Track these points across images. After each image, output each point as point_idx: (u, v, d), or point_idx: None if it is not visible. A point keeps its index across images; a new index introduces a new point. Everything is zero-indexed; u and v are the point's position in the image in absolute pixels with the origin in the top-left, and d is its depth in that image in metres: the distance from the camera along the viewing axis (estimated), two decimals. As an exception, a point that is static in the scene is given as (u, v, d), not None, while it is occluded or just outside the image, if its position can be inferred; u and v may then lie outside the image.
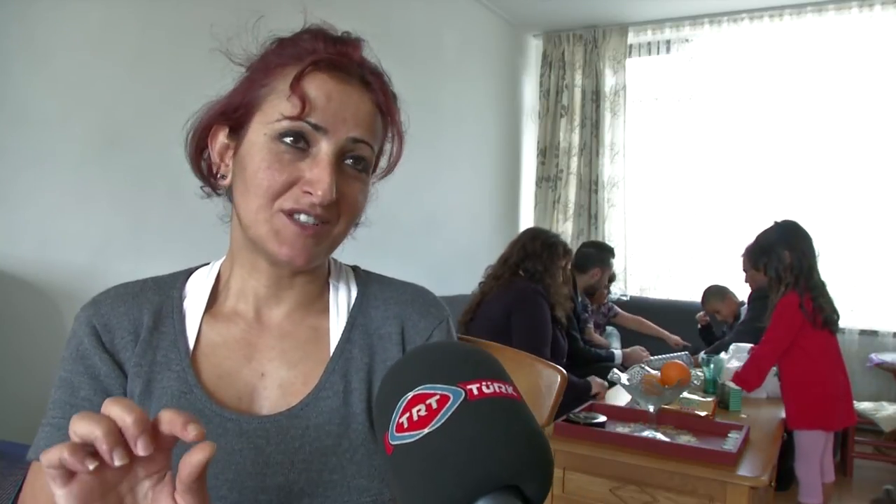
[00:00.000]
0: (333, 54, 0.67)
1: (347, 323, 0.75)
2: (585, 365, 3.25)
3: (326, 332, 0.75)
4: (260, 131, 0.67)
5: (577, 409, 2.17)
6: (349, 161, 0.68)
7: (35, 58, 1.96)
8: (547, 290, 2.80)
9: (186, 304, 0.74)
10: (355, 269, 0.82)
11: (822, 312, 2.40)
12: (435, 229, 3.87)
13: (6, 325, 1.93)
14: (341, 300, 0.77)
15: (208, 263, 0.79)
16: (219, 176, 0.72)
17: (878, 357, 3.62)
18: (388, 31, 3.43)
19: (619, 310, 4.07)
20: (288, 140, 0.65)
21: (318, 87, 0.66)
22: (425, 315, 0.77)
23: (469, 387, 0.39)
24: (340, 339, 0.74)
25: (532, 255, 2.84)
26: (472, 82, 4.28)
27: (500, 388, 0.40)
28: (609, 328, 4.02)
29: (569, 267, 2.95)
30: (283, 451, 0.66)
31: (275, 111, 0.66)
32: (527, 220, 4.95)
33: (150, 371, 0.69)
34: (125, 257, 2.20)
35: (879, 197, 3.98)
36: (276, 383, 0.71)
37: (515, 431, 0.38)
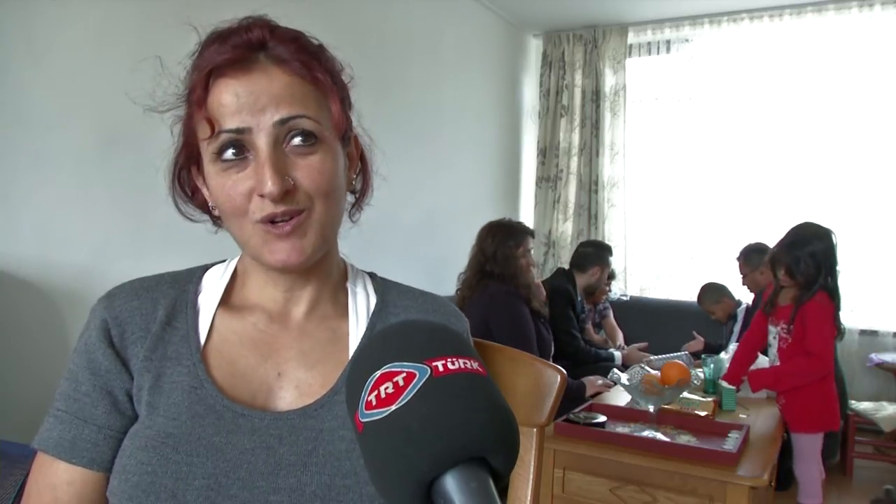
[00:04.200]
0: (226, 55, 0.65)
1: (367, 328, 0.75)
2: (586, 364, 3.25)
3: (346, 335, 0.75)
4: (206, 159, 0.68)
5: (577, 409, 2.17)
6: (294, 141, 0.66)
7: (35, 57, 1.96)
8: (517, 287, 2.78)
9: (201, 300, 0.74)
10: (372, 275, 0.82)
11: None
12: (435, 229, 3.87)
13: (6, 325, 1.92)
14: (360, 305, 0.77)
15: (224, 260, 0.79)
16: (211, 207, 0.74)
17: (878, 357, 3.62)
18: (387, 32, 3.43)
19: (610, 313, 4.06)
20: (224, 157, 0.66)
21: (223, 92, 0.65)
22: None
23: (435, 363, 0.41)
24: (360, 344, 0.74)
25: (490, 258, 2.84)
26: (472, 82, 4.28)
27: (465, 364, 0.42)
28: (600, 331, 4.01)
29: (529, 249, 2.90)
30: (295, 452, 0.66)
31: (204, 135, 0.67)
32: (527, 220, 4.93)
33: (161, 366, 0.69)
34: (125, 257, 2.20)
35: (879, 197, 3.98)
36: (293, 384, 0.71)
37: (480, 405, 0.40)
